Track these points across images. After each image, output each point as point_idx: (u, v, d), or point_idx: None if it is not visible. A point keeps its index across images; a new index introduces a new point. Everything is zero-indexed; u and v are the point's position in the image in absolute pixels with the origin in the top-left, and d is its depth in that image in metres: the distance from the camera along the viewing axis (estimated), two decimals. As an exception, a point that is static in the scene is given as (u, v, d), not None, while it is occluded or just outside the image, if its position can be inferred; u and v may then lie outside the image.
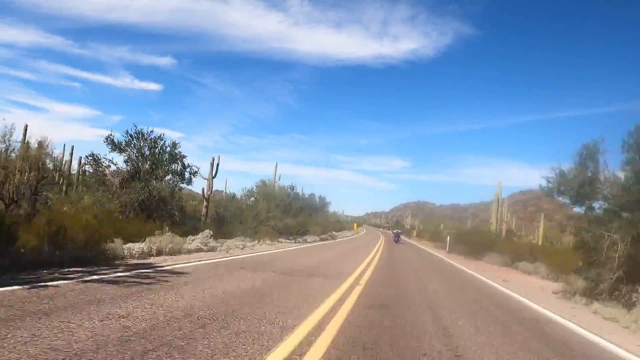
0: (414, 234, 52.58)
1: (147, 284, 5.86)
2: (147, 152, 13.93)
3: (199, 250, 11.28)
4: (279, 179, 28.85)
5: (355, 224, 72.21)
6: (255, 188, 25.76)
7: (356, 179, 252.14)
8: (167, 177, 14.61)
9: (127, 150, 13.66)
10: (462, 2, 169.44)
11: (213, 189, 19.97)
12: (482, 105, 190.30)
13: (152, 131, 14.12)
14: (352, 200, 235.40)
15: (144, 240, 9.63)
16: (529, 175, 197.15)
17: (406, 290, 7.91)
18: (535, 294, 9.36)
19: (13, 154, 10.14)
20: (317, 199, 39.73)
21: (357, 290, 7.12)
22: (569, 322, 6.31)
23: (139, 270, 7.08)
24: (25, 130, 13.37)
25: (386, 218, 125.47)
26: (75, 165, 20.35)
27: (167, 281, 6.26)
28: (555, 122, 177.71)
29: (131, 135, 13.74)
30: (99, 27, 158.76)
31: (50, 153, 10.19)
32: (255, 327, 4.10)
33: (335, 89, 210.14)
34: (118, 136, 13.68)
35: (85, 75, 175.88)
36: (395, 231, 37.35)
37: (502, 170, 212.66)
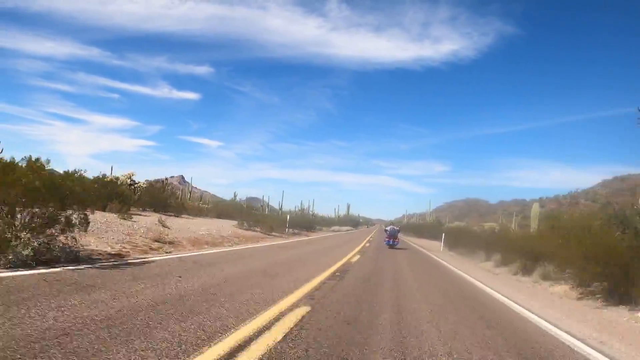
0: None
1: None
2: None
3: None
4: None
5: None
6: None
7: (395, 184, 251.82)
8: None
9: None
10: (504, 0, 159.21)
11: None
12: (524, 106, 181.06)
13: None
14: (390, 205, 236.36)
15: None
16: (568, 176, 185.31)
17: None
18: None
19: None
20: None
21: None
22: None
23: None
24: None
25: (429, 218, 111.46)
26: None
27: None
28: (599, 121, 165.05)
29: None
30: (135, 37, 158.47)
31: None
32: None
33: (375, 94, 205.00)
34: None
35: (123, 86, 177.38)
36: (388, 228, 23.18)
37: (544, 172, 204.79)
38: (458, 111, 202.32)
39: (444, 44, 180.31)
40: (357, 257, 13.82)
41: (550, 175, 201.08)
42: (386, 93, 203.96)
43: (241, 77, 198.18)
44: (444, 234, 25.86)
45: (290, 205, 75.33)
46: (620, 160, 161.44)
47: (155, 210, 22.44)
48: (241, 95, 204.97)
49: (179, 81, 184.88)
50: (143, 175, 48.39)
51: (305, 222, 36.94)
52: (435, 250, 24.82)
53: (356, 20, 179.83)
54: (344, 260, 12.05)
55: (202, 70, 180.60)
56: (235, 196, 45.50)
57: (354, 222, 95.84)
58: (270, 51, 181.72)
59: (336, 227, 59.00)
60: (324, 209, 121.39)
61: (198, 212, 27.39)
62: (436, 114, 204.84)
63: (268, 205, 54.27)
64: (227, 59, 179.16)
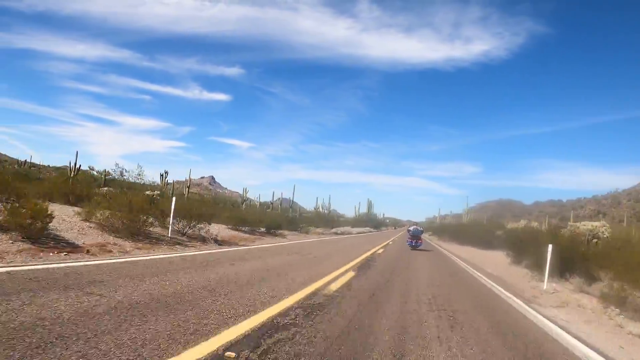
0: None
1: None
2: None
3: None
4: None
5: None
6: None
7: (425, 185, 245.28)
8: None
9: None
10: (534, 0, 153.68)
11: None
12: (556, 107, 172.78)
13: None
14: (421, 206, 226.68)
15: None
16: (599, 177, 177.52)
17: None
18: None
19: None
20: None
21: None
22: None
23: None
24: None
25: (466, 218, 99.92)
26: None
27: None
28: (635, 121, 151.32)
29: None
30: (166, 39, 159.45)
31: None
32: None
33: (406, 94, 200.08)
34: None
35: (154, 87, 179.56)
36: (411, 228, 22.34)
37: (576, 174, 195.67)
38: (489, 112, 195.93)
39: (475, 44, 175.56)
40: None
41: (581, 177, 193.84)
42: (417, 94, 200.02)
43: (272, 79, 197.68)
44: (550, 247, 10.46)
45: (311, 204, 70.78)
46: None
47: None
48: (272, 96, 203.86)
49: (210, 82, 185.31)
50: (173, 176, 44.24)
51: (267, 220, 22.10)
52: (524, 288, 9.97)
53: (387, 20, 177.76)
54: None
55: (233, 71, 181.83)
56: (245, 192, 41.09)
57: (375, 223, 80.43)
58: (301, 52, 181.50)
59: (344, 229, 44.09)
60: (349, 209, 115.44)
61: None
62: (467, 115, 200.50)
63: (281, 203, 50.67)
64: (258, 60, 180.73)
